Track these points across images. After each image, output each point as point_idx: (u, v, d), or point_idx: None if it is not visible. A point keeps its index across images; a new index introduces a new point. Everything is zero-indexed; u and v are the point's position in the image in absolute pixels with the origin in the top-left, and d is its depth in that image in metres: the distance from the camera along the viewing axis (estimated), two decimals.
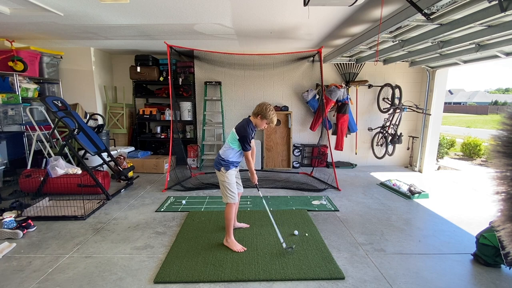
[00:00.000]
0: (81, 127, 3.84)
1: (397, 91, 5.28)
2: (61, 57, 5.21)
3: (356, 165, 5.82)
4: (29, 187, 3.72)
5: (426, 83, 5.30)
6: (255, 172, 2.68)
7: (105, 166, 4.33)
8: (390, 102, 5.36)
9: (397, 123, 5.31)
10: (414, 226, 3.12)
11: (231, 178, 2.56)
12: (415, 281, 2.18)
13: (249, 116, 2.63)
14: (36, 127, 4.11)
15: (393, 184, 4.32)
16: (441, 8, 2.38)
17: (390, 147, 5.42)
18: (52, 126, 4.24)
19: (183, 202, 3.73)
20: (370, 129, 5.80)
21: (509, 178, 0.87)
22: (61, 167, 3.64)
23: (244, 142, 2.48)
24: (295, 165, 5.65)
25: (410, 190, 4.03)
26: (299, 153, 5.72)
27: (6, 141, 4.12)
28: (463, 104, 43.22)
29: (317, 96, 5.38)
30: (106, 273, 2.23)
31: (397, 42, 3.70)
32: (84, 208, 3.35)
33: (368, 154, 5.91)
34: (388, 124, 5.38)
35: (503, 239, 0.91)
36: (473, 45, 3.41)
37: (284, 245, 2.51)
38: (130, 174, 4.55)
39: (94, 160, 4.51)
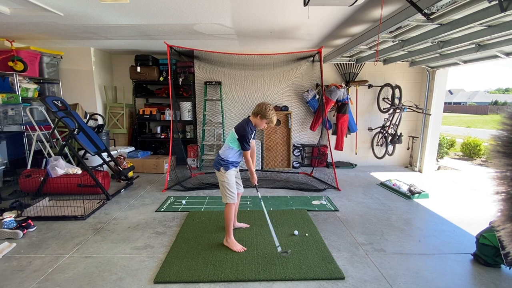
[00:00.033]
0: (81, 127, 3.84)
1: (397, 91, 5.29)
2: (61, 57, 5.21)
3: (356, 165, 5.83)
4: (29, 187, 3.72)
5: (426, 83, 5.30)
6: (255, 172, 2.67)
7: (105, 166, 4.33)
8: (390, 102, 5.36)
9: (397, 123, 5.31)
10: (414, 226, 3.12)
11: (231, 178, 2.56)
12: (415, 281, 2.18)
13: (249, 116, 2.63)
14: (36, 127, 4.11)
15: (393, 184, 4.32)
16: (441, 8, 2.38)
17: (390, 147, 5.42)
18: (52, 126, 4.24)
19: (183, 202, 3.73)
20: (370, 129, 5.80)
21: (509, 178, 0.87)
22: (61, 167, 3.64)
23: (243, 142, 2.48)
24: (295, 165, 5.65)
25: (410, 190, 4.03)
26: (299, 153, 5.72)
27: (6, 141, 4.12)
28: (463, 104, 43.23)
29: (317, 96, 5.38)
30: (106, 273, 2.23)
31: (397, 42, 3.70)
32: (84, 208, 3.35)
33: (368, 154, 5.91)
34: (388, 124, 5.38)
35: (503, 239, 0.91)
36: (473, 45, 3.41)
37: (279, 249, 2.44)
38: (130, 174, 4.55)
39: (94, 160, 4.51)
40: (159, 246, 2.63)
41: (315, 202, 3.74)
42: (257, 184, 2.72)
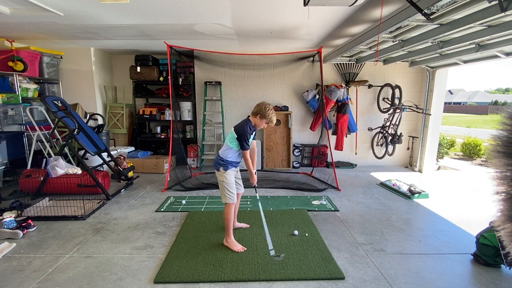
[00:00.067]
0: (81, 127, 3.84)
1: (397, 91, 5.29)
2: (61, 57, 5.21)
3: (356, 165, 5.83)
4: (29, 187, 3.72)
5: (426, 83, 5.30)
6: (255, 173, 2.67)
7: (105, 166, 4.33)
8: (390, 102, 5.36)
9: (397, 123, 5.31)
10: (414, 226, 3.12)
11: (230, 178, 2.56)
12: (415, 281, 2.18)
13: (249, 116, 2.63)
14: (36, 127, 4.11)
15: (393, 184, 4.32)
16: (441, 8, 2.38)
17: (390, 147, 5.42)
18: (52, 126, 4.25)
19: (183, 202, 3.73)
20: (370, 129, 5.80)
21: (509, 178, 0.87)
22: (61, 167, 3.64)
23: (242, 141, 2.47)
24: (295, 165, 5.65)
25: (410, 190, 4.03)
26: (299, 153, 5.72)
27: (6, 141, 4.12)
28: (463, 104, 43.22)
29: (317, 96, 5.38)
30: (106, 273, 2.23)
31: (397, 42, 3.70)
32: (84, 208, 3.35)
33: (368, 154, 5.91)
34: (388, 124, 5.38)
35: (503, 239, 0.91)
36: (473, 45, 3.41)
37: (271, 252, 2.39)
38: (130, 174, 4.55)
39: (94, 160, 4.51)
40: (159, 246, 2.63)
41: (315, 202, 3.74)
42: (256, 185, 2.72)
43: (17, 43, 4.70)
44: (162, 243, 2.70)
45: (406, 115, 5.54)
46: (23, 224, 2.87)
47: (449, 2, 2.24)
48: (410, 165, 5.80)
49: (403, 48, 3.74)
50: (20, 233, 2.76)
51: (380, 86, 5.52)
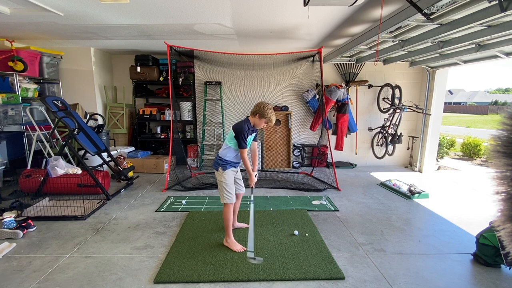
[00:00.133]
0: (81, 127, 3.84)
1: (397, 91, 5.29)
2: (61, 57, 5.21)
3: (356, 165, 5.82)
4: (29, 187, 3.72)
5: (426, 83, 5.30)
6: (253, 173, 2.66)
7: (105, 166, 4.33)
8: (390, 102, 5.36)
9: (397, 123, 5.31)
10: (414, 226, 3.12)
11: (229, 178, 2.56)
12: (415, 281, 2.18)
13: (248, 116, 2.62)
14: (36, 127, 4.11)
15: (393, 184, 4.32)
16: (441, 8, 2.38)
17: (390, 147, 5.42)
18: (52, 126, 4.25)
19: (183, 202, 3.73)
20: (370, 129, 5.80)
21: (509, 178, 0.87)
22: (61, 167, 3.64)
23: (239, 139, 2.46)
24: (295, 165, 5.65)
25: (410, 190, 4.03)
26: (299, 153, 5.72)
27: (6, 141, 4.12)
28: (463, 104, 43.22)
29: (317, 96, 5.38)
30: (106, 273, 2.23)
31: (397, 42, 3.70)
32: (84, 208, 3.35)
33: (368, 154, 5.91)
34: (388, 124, 5.38)
35: (503, 239, 0.90)
36: (473, 45, 3.41)
37: (250, 254, 2.24)
38: (130, 174, 4.55)
39: (94, 160, 4.51)
40: (159, 246, 2.63)
41: (315, 202, 3.74)
42: (253, 186, 2.71)
43: (17, 43, 4.70)
44: (162, 243, 2.70)
45: (406, 115, 5.54)
46: (23, 224, 2.87)
47: (449, 2, 2.24)
48: (410, 165, 5.80)
49: (403, 48, 3.74)
50: (20, 233, 2.76)
51: (380, 86, 5.52)
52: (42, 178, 3.65)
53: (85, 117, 5.05)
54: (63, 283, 2.10)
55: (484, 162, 6.84)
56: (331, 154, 4.80)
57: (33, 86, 4.60)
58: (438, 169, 5.80)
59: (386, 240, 2.79)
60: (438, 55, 4.16)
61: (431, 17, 2.52)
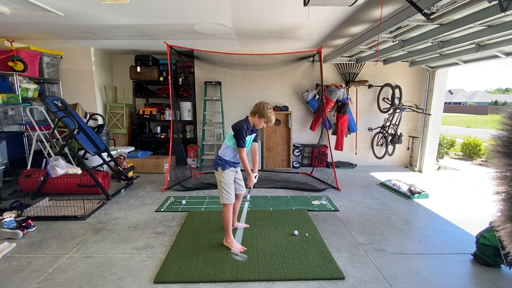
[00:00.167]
0: (81, 127, 3.84)
1: (397, 91, 5.29)
2: (61, 57, 5.21)
3: (356, 165, 5.82)
4: (29, 187, 3.72)
5: (426, 83, 5.30)
6: (252, 174, 2.66)
7: (105, 166, 4.33)
8: (390, 102, 5.36)
9: (397, 123, 5.31)
10: (414, 226, 3.12)
11: (228, 178, 2.56)
12: (415, 281, 2.18)
13: (247, 116, 2.62)
14: (36, 127, 4.11)
15: (393, 184, 4.32)
16: (441, 8, 2.38)
17: (390, 147, 5.42)
18: (52, 126, 4.25)
19: (183, 202, 3.73)
20: (370, 129, 5.80)
21: (509, 178, 0.87)
22: (61, 167, 3.64)
23: (238, 138, 2.46)
24: (295, 165, 5.65)
25: (410, 190, 4.03)
26: (299, 153, 5.72)
27: (6, 141, 4.12)
28: (463, 104, 43.22)
29: (317, 96, 5.38)
30: (106, 273, 2.23)
31: (397, 42, 3.70)
32: (84, 208, 3.35)
33: (368, 154, 5.91)
34: (388, 124, 5.38)
35: (503, 239, 0.91)
36: (473, 45, 3.41)
37: (233, 250, 2.42)
38: (130, 174, 4.55)
39: (94, 160, 4.51)
40: (159, 246, 2.63)
41: (315, 202, 3.74)
42: (251, 187, 2.71)
43: (17, 43, 4.70)
44: (162, 243, 2.70)
45: (406, 115, 5.54)
46: (23, 224, 2.87)
47: (449, 2, 2.24)
48: (410, 165, 5.80)
49: (403, 48, 3.74)
50: (20, 233, 2.76)
51: (380, 86, 5.52)
52: (42, 178, 3.65)
53: (85, 117, 5.05)
54: (63, 283, 2.10)
55: (484, 162, 6.84)
56: (331, 154, 4.80)
57: (33, 86, 4.60)
58: (438, 169, 5.80)
59: (386, 240, 2.79)
60: (438, 55, 4.16)
61: (431, 17, 2.52)
